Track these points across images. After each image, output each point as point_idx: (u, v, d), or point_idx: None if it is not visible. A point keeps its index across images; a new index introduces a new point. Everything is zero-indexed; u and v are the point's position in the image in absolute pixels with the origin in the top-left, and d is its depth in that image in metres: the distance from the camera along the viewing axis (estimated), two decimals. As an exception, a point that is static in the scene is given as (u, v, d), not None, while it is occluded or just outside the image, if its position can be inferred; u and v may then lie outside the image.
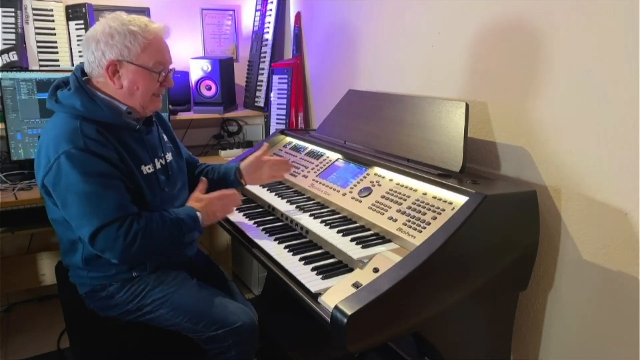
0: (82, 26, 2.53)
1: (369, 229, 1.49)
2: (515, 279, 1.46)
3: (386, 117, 1.83)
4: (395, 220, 1.42)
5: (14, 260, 2.45)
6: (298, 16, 2.84)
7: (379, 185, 1.60)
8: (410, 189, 1.51)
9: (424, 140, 1.63)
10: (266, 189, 1.90)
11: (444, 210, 1.35)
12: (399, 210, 1.45)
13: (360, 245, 1.37)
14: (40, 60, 2.50)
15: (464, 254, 1.25)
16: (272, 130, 2.87)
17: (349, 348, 1.09)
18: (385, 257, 1.27)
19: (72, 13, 2.54)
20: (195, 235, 1.52)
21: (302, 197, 1.80)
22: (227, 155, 2.80)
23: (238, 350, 1.46)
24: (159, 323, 1.46)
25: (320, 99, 2.75)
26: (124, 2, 2.65)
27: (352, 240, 1.41)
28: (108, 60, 1.36)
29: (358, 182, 1.68)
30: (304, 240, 1.54)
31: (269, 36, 2.95)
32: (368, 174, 1.69)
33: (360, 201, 1.58)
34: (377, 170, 1.68)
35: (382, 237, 1.43)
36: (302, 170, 1.94)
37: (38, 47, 2.50)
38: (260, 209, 1.83)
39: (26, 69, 2.38)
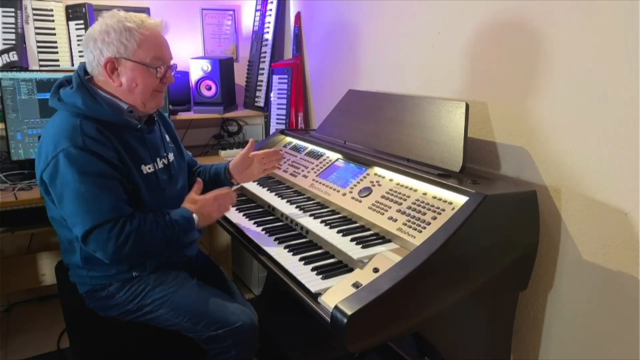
0: (82, 26, 2.53)
1: (369, 229, 1.49)
2: (515, 279, 1.46)
3: (386, 117, 1.83)
4: (395, 220, 1.42)
5: (14, 260, 2.45)
6: (298, 16, 2.84)
7: (379, 185, 1.60)
8: (410, 189, 1.51)
9: (424, 140, 1.63)
10: (266, 189, 1.90)
11: (444, 210, 1.35)
12: (399, 210, 1.45)
13: (360, 245, 1.37)
14: (40, 60, 2.50)
15: (464, 254, 1.25)
16: (272, 130, 2.87)
17: (349, 348, 1.09)
18: (385, 257, 1.27)
19: (72, 13, 2.54)
20: (195, 235, 1.52)
21: (302, 197, 1.80)
22: (227, 155, 2.80)
23: (238, 350, 1.46)
24: (159, 323, 1.47)
25: (320, 99, 2.75)
26: (124, 2, 2.65)
27: (352, 240, 1.41)
28: (106, 58, 1.36)
29: (358, 182, 1.68)
30: (304, 240, 1.54)
31: (269, 36, 2.95)
32: (368, 174, 1.69)
33: (360, 201, 1.59)
34: (377, 170, 1.68)
35: (382, 237, 1.43)
36: (302, 170, 1.94)
37: (38, 47, 2.50)
38: (260, 209, 1.83)
39: (26, 69, 2.38)
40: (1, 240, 2.41)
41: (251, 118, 3.13)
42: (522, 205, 1.41)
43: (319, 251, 1.46)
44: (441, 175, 1.46)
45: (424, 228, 1.32)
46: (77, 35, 2.55)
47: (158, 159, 1.51)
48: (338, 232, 1.47)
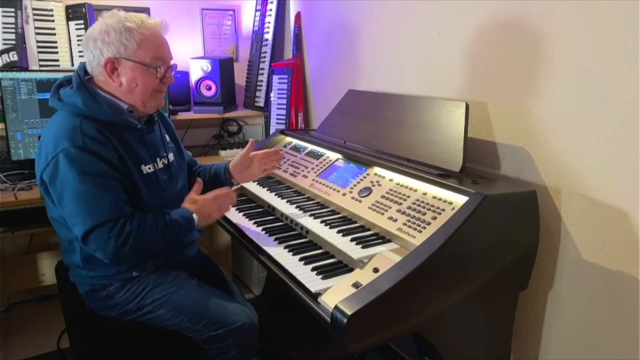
0: (82, 26, 2.53)
1: (369, 229, 1.49)
2: (515, 279, 1.46)
3: (386, 117, 1.83)
4: (395, 220, 1.42)
5: (14, 260, 2.45)
6: (298, 16, 2.84)
7: (379, 185, 1.60)
8: (410, 189, 1.51)
9: (424, 140, 1.63)
10: (266, 189, 1.90)
11: (444, 210, 1.35)
12: (399, 210, 1.45)
13: (360, 245, 1.37)
14: (40, 60, 2.50)
15: (464, 254, 1.25)
16: (272, 130, 2.87)
17: (349, 348, 1.09)
18: (385, 257, 1.27)
19: (72, 13, 2.54)
20: (195, 235, 1.52)
21: (302, 197, 1.80)
22: (227, 155, 2.80)
23: (238, 350, 1.46)
24: (159, 323, 1.47)
25: (320, 99, 2.75)
26: (124, 2, 2.65)
27: (352, 240, 1.41)
28: (105, 58, 1.36)
29: (358, 182, 1.68)
30: (304, 240, 1.54)
31: (269, 36, 2.95)
32: (368, 174, 1.69)
33: (360, 201, 1.59)
34: (377, 170, 1.68)
35: (382, 237, 1.43)
36: (302, 170, 1.94)
37: (38, 47, 2.50)
38: (260, 209, 1.83)
39: (26, 69, 2.38)
40: (1, 240, 2.41)
41: (251, 118, 3.13)
42: (522, 205, 1.41)
43: (319, 251, 1.46)
44: (441, 175, 1.46)
45: (424, 228, 1.32)
46: (77, 35, 2.55)
47: (158, 159, 1.51)
48: (338, 232, 1.47)
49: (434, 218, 1.34)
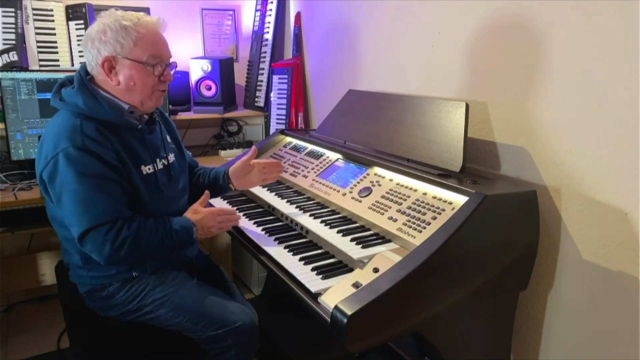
0: (82, 26, 2.53)
1: (369, 229, 1.49)
2: (515, 279, 1.46)
3: (386, 117, 1.83)
4: (395, 220, 1.42)
5: (14, 260, 2.45)
6: (298, 16, 2.84)
7: (379, 185, 1.60)
8: (410, 189, 1.51)
9: (424, 140, 1.63)
10: (266, 189, 1.90)
11: (444, 210, 1.35)
12: (399, 210, 1.45)
13: (360, 245, 1.37)
14: (40, 60, 2.50)
15: (464, 254, 1.25)
16: (272, 130, 2.87)
17: (349, 348, 1.09)
18: (385, 257, 1.27)
19: (72, 13, 2.54)
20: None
21: (302, 197, 1.80)
22: (227, 155, 2.80)
23: (238, 350, 1.46)
24: (159, 323, 1.46)
25: (320, 99, 2.75)
26: (124, 2, 2.65)
27: (352, 240, 1.41)
28: (103, 57, 1.36)
29: (358, 182, 1.68)
30: (304, 240, 1.54)
31: (269, 36, 2.95)
32: (368, 174, 1.69)
33: (360, 201, 1.58)
34: (377, 170, 1.68)
35: (382, 237, 1.43)
36: (302, 170, 1.94)
37: (38, 47, 2.50)
38: (260, 209, 1.83)
39: (26, 69, 2.38)
40: (1, 240, 2.41)
41: (251, 118, 3.12)
42: (522, 205, 1.41)
43: (319, 251, 1.46)
44: (441, 175, 1.46)
45: (424, 228, 1.32)
46: (77, 35, 2.55)
47: (158, 160, 1.51)
48: (338, 232, 1.47)
49: (434, 218, 1.34)
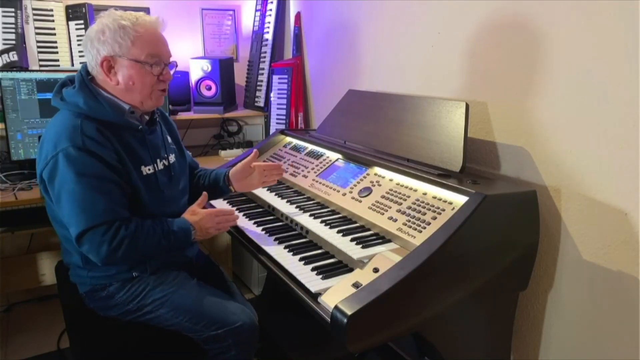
0: (82, 26, 2.53)
1: (369, 229, 1.49)
2: (515, 279, 1.46)
3: (386, 117, 1.83)
4: (395, 220, 1.42)
5: (14, 260, 2.45)
6: (298, 16, 2.84)
7: (379, 185, 1.60)
8: (410, 189, 1.51)
9: (424, 140, 1.63)
10: (266, 189, 1.90)
11: (444, 210, 1.35)
12: (399, 210, 1.45)
13: (360, 245, 1.37)
14: (40, 60, 2.50)
15: (464, 254, 1.25)
16: (272, 130, 2.87)
17: (349, 348, 1.09)
18: (385, 257, 1.27)
19: (72, 13, 2.54)
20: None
21: (302, 197, 1.80)
22: (227, 155, 2.80)
23: (238, 350, 1.46)
24: (159, 323, 1.46)
25: (320, 99, 2.75)
26: (124, 2, 2.65)
27: (352, 240, 1.41)
28: (102, 57, 1.36)
29: (358, 182, 1.68)
30: (304, 240, 1.54)
31: (269, 36, 2.95)
32: (368, 174, 1.69)
33: (360, 201, 1.58)
34: (377, 170, 1.68)
35: (382, 237, 1.43)
36: (302, 170, 1.94)
37: (38, 47, 2.50)
38: (260, 209, 1.83)
39: (26, 69, 2.38)
40: (1, 240, 2.41)
41: (251, 118, 3.12)
42: (522, 205, 1.41)
43: (319, 251, 1.46)
44: (441, 175, 1.46)
45: (424, 228, 1.32)
46: (77, 35, 2.55)
47: (158, 160, 1.51)
48: (338, 232, 1.47)
49: (434, 218, 1.34)
